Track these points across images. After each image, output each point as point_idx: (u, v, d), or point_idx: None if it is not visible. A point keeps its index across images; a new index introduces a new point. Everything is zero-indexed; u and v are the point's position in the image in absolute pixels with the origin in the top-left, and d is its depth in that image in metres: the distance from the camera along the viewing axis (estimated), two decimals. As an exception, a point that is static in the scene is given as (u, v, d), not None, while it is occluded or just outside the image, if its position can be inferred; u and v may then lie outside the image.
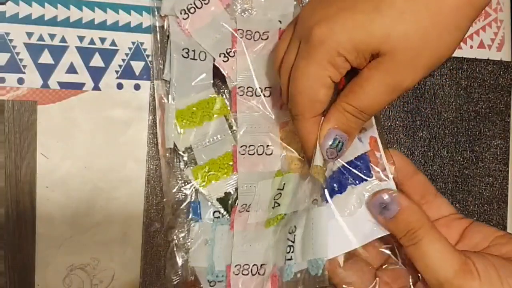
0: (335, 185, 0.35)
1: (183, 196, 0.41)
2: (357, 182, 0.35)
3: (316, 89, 0.32)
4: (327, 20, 0.31)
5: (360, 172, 0.35)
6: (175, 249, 0.41)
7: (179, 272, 0.41)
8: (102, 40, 0.42)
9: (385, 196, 0.33)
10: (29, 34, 0.40)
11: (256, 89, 0.41)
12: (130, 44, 0.42)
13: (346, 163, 0.36)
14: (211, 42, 0.41)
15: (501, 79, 0.49)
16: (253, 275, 0.39)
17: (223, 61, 0.41)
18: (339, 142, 0.33)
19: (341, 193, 0.35)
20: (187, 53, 0.41)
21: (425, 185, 0.37)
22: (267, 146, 0.41)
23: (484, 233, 0.35)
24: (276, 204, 0.40)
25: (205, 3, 0.41)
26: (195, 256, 0.41)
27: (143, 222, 0.42)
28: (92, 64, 0.41)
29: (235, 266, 0.39)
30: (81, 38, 0.41)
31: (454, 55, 0.48)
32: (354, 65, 0.32)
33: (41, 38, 0.40)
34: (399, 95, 0.32)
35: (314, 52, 0.31)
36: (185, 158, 0.41)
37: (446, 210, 0.37)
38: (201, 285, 0.40)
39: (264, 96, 0.41)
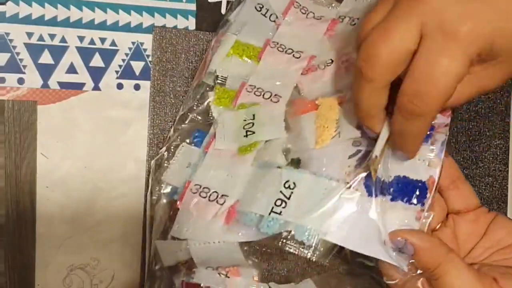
0: (391, 189, 0.34)
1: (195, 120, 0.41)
2: (405, 200, 0.34)
3: (454, 88, 0.30)
4: (474, 18, 0.29)
5: (413, 196, 0.34)
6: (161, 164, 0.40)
7: (157, 190, 0.40)
8: (102, 40, 0.42)
9: (399, 239, 0.32)
10: (29, 34, 0.40)
11: (289, 49, 0.42)
12: (130, 44, 0.42)
13: (406, 178, 0.35)
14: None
15: (501, 79, 0.49)
16: (210, 200, 0.37)
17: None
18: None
19: (390, 200, 0.34)
20: (260, 7, 0.42)
21: (455, 169, 0.37)
22: (275, 95, 0.41)
23: (508, 229, 0.35)
24: (250, 133, 0.39)
25: None
26: (170, 174, 0.40)
27: (143, 222, 0.42)
28: (92, 64, 0.41)
29: (195, 185, 0.38)
30: (81, 38, 0.41)
31: (454, 55, 0.49)
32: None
33: (41, 38, 0.40)
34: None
35: (459, 49, 0.29)
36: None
37: (472, 201, 0.36)
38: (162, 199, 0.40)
39: (294, 57, 0.42)
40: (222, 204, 0.37)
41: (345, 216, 0.34)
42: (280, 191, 0.35)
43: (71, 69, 0.41)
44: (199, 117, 0.41)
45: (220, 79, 0.41)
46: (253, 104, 0.40)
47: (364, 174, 0.34)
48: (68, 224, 0.41)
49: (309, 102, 0.39)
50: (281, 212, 0.35)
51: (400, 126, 0.32)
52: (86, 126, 0.41)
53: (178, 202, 0.38)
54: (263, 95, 0.40)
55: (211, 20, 0.44)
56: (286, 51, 0.42)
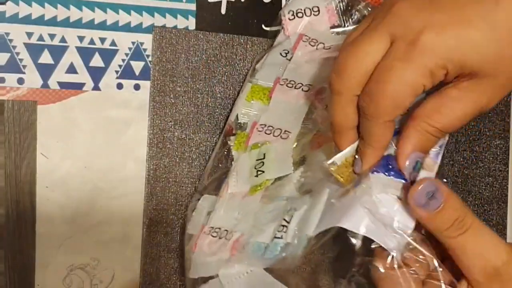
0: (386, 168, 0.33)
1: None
2: (396, 176, 0.33)
3: (407, 96, 0.30)
4: (439, 28, 0.29)
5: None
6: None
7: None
8: (102, 40, 0.42)
9: (431, 184, 0.31)
10: (29, 34, 0.40)
11: (298, 84, 0.42)
12: (130, 44, 0.42)
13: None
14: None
15: (501, 79, 0.49)
16: (219, 238, 0.39)
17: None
18: (419, 163, 0.32)
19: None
20: (286, 53, 0.43)
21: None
22: (285, 131, 0.42)
23: None
24: (260, 172, 0.40)
25: (314, 13, 0.43)
26: (192, 226, 0.41)
27: (143, 222, 0.42)
28: (92, 64, 0.41)
29: (209, 227, 0.40)
30: (81, 38, 0.41)
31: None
32: (445, 80, 0.31)
33: (41, 38, 0.40)
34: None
35: (417, 57, 0.29)
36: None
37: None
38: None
39: (303, 90, 0.42)
40: (229, 240, 0.39)
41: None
42: (284, 219, 0.37)
43: (71, 69, 0.41)
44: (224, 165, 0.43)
45: (241, 124, 0.42)
46: (264, 143, 0.41)
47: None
48: (68, 224, 0.41)
49: (326, 136, 0.40)
50: (282, 236, 0.36)
51: (363, 128, 0.32)
52: (86, 126, 0.41)
53: (193, 247, 0.40)
54: (273, 133, 0.41)
55: (211, 20, 0.44)
56: (295, 86, 0.42)
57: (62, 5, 0.41)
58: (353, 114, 0.33)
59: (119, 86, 0.42)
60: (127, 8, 0.42)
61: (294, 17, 0.44)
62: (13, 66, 0.40)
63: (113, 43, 0.42)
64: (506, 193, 0.49)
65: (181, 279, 0.44)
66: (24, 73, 0.40)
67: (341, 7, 0.44)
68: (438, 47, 0.29)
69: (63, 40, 0.41)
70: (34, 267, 0.40)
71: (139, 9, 0.43)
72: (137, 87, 0.43)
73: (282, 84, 0.42)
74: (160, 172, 0.43)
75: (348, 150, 0.34)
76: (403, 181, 0.33)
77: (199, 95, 0.44)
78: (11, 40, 0.40)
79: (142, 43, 0.43)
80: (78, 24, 0.41)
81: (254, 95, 0.43)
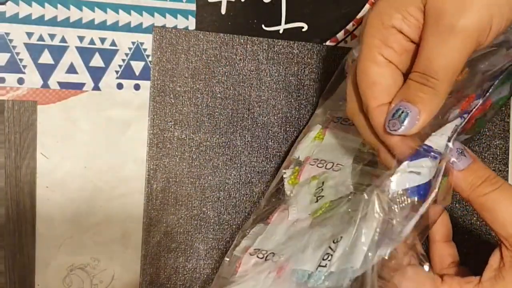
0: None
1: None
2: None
3: (368, 70, 0.30)
4: (376, 3, 0.31)
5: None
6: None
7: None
8: (102, 40, 0.42)
9: (457, 145, 0.32)
10: (29, 34, 0.40)
11: None
12: (130, 44, 0.42)
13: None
14: None
15: (501, 79, 0.49)
16: (265, 260, 0.39)
17: None
18: (402, 112, 0.30)
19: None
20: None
21: (447, 228, 0.37)
22: (337, 164, 0.42)
23: None
24: (319, 197, 0.40)
25: None
26: (239, 251, 0.41)
27: (143, 222, 0.42)
28: (92, 64, 0.41)
29: (254, 249, 0.40)
30: (81, 38, 0.41)
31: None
32: (409, 35, 0.30)
33: (41, 38, 0.40)
34: (466, 47, 0.29)
35: (363, 36, 0.31)
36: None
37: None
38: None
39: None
40: (276, 262, 0.38)
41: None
42: (329, 247, 0.36)
43: (71, 69, 0.41)
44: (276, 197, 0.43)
45: (300, 161, 0.43)
46: (323, 173, 0.41)
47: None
48: (68, 224, 0.41)
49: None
50: (326, 264, 0.35)
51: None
52: (86, 126, 0.41)
53: (237, 267, 0.39)
54: (325, 166, 0.42)
55: (211, 20, 0.44)
56: (350, 124, 0.42)
57: (62, 5, 0.41)
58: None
59: (119, 86, 0.42)
60: (127, 8, 0.42)
61: None
62: (13, 66, 0.40)
63: (113, 43, 0.42)
64: (506, 193, 0.49)
65: (181, 279, 0.44)
66: (24, 73, 0.40)
67: None
68: (375, 14, 0.31)
69: (63, 40, 0.41)
70: (34, 267, 0.40)
71: (139, 9, 0.43)
72: (137, 87, 0.43)
73: (336, 122, 0.43)
74: (160, 172, 0.43)
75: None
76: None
77: (199, 95, 0.44)
78: (11, 40, 0.40)
79: (142, 43, 0.43)
80: (78, 24, 0.41)
81: (319, 136, 0.44)
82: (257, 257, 0.39)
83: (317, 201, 0.40)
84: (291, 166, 0.44)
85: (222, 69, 0.44)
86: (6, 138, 0.40)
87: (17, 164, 0.40)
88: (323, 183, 0.41)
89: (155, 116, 0.43)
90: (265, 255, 0.39)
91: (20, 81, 0.40)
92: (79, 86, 0.41)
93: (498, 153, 0.49)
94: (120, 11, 0.42)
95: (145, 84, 0.43)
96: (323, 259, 0.36)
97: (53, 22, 0.41)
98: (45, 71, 0.41)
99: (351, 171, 0.41)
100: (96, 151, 0.41)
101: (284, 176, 0.43)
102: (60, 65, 0.41)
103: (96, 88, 0.42)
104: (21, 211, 0.40)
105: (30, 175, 0.40)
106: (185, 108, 0.43)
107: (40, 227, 0.40)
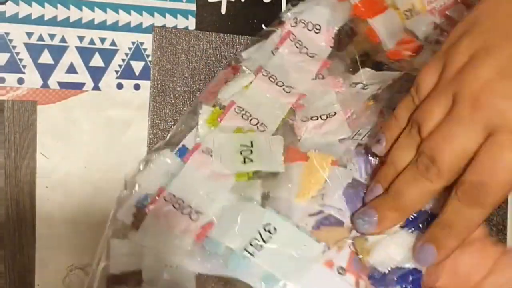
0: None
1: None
2: None
3: None
4: None
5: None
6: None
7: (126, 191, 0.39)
8: (102, 40, 0.42)
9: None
10: (29, 34, 0.40)
11: (279, 81, 0.42)
12: (130, 44, 0.42)
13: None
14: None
15: (501, 79, 0.49)
16: (182, 213, 0.36)
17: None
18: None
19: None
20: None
21: None
22: (261, 123, 0.41)
23: None
24: (248, 160, 0.38)
25: (316, 31, 0.44)
26: (145, 178, 0.38)
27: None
28: (92, 64, 0.41)
29: (169, 193, 0.37)
30: (81, 38, 0.41)
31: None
32: None
33: (41, 38, 0.40)
34: None
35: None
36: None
37: (480, 230, 0.34)
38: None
39: (284, 90, 0.42)
40: (195, 221, 0.36)
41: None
42: (259, 232, 0.34)
43: (71, 69, 0.41)
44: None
45: (220, 102, 0.41)
46: (250, 130, 0.40)
47: (349, 251, 0.34)
48: (68, 224, 0.41)
49: (301, 152, 0.39)
50: (253, 253, 0.34)
51: (454, 215, 0.31)
52: (86, 126, 0.41)
53: (147, 208, 0.37)
54: (250, 121, 0.40)
55: (211, 20, 0.44)
56: (277, 83, 0.42)
57: (62, 5, 0.41)
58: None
59: (119, 86, 0.42)
60: (127, 8, 0.42)
61: (296, 25, 0.43)
62: (13, 66, 0.40)
63: (113, 43, 0.42)
64: (506, 193, 0.49)
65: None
66: (24, 73, 0.40)
67: (341, 34, 0.44)
68: None
69: (63, 40, 0.41)
70: (34, 267, 0.40)
71: (139, 9, 0.43)
72: (137, 87, 0.43)
73: (265, 75, 0.42)
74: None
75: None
76: None
77: (199, 95, 0.44)
78: (11, 40, 0.40)
79: (142, 43, 0.43)
80: (78, 24, 0.41)
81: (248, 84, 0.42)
82: (173, 205, 0.36)
83: (244, 162, 0.38)
84: (211, 103, 0.41)
85: (222, 69, 0.44)
86: (6, 138, 0.40)
87: (17, 164, 0.40)
88: (251, 143, 0.39)
89: (155, 116, 0.43)
90: (182, 206, 0.36)
91: (20, 81, 0.40)
92: (79, 86, 0.41)
93: (498, 153, 0.49)
94: (120, 11, 0.42)
95: (145, 84, 0.43)
96: (251, 245, 0.34)
97: (53, 22, 0.41)
98: (45, 71, 0.40)
99: (279, 142, 0.39)
100: (96, 151, 0.41)
101: (200, 111, 0.40)
102: (60, 65, 0.41)
103: (96, 88, 0.42)
104: (21, 211, 0.40)
105: (30, 175, 0.40)
106: (185, 108, 0.43)
107: (40, 227, 0.40)
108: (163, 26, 0.43)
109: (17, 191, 0.40)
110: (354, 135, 0.39)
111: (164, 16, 0.43)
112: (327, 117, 0.40)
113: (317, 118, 0.40)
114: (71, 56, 0.41)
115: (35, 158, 0.40)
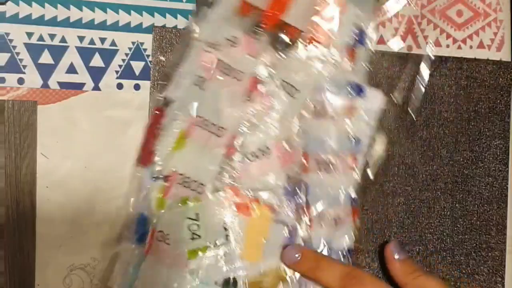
0: None
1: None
2: None
3: None
4: None
5: None
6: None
7: None
8: (102, 40, 0.42)
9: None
10: (29, 34, 0.40)
11: (212, 124, 0.41)
12: (130, 44, 0.42)
13: None
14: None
15: (500, 79, 0.49)
16: None
17: None
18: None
19: None
20: (198, 82, 0.41)
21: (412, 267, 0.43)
22: (200, 184, 0.41)
23: None
24: (196, 236, 0.39)
25: (233, 45, 0.42)
26: (117, 280, 0.40)
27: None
28: (92, 64, 0.41)
29: None
30: (81, 38, 0.41)
31: (454, 55, 0.49)
32: None
33: (41, 38, 0.40)
34: None
35: None
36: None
37: None
38: None
39: (217, 136, 0.41)
40: None
41: None
42: None
43: (71, 69, 0.41)
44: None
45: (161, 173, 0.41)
46: (195, 199, 0.40)
47: None
48: (68, 224, 0.41)
49: (243, 200, 0.41)
50: None
51: None
52: (86, 126, 0.41)
53: None
54: (190, 186, 0.40)
55: (211, 20, 0.44)
56: (208, 127, 0.41)
57: (62, 5, 0.41)
58: None
59: (119, 86, 0.42)
60: (127, 8, 0.42)
61: (213, 50, 0.41)
62: (13, 66, 0.40)
63: (113, 43, 0.42)
64: (506, 193, 0.49)
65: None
66: (24, 73, 0.40)
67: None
68: None
69: (63, 40, 0.41)
70: (34, 267, 0.40)
71: (139, 9, 0.43)
72: (137, 87, 0.43)
73: (198, 126, 0.41)
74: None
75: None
76: None
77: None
78: (11, 40, 0.40)
79: (142, 43, 0.43)
80: (78, 24, 0.41)
81: (179, 142, 0.41)
82: None
83: (192, 238, 0.39)
84: (154, 176, 0.40)
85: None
86: (6, 138, 0.40)
87: (17, 164, 0.40)
88: (197, 215, 0.40)
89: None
90: None
91: (20, 81, 0.40)
92: (79, 86, 0.41)
93: (498, 153, 0.49)
94: (120, 11, 0.42)
95: (145, 84, 0.43)
96: None
97: (53, 22, 0.41)
98: (45, 71, 0.41)
99: (217, 203, 0.40)
100: (96, 151, 0.41)
101: (149, 186, 0.40)
102: (60, 65, 0.41)
103: (96, 88, 0.42)
104: (21, 211, 0.40)
105: (30, 175, 0.40)
106: (185, 108, 0.43)
107: (40, 227, 0.40)
108: (163, 26, 0.43)
109: (17, 191, 0.40)
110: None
111: (164, 16, 0.43)
112: (262, 154, 0.41)
113: (253, 156, 0.41)
114: (71, 56, 0.41)
115: (35, 158, 0.40)
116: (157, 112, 0.41)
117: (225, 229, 0.40)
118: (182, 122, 0.41)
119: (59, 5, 0.41)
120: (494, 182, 0.49)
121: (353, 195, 0.43)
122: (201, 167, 0.40)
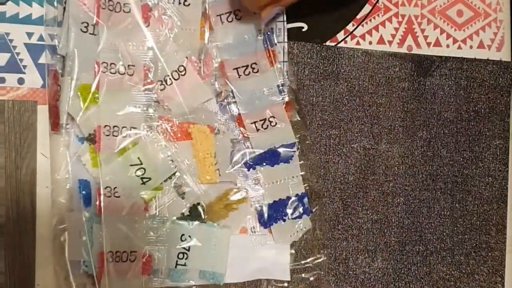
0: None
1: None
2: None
3: None
4: None
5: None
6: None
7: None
8: None
9: None
10: (29, 34, 0.40)
11: (120, 66, 0.40)
12: None
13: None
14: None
15: (500, 79, 0.49)
16: (123, 261, 0.39)
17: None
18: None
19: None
20: (86, 27, 0.39)
21: None
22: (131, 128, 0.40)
23: None
24: (146, 179, 0.40)
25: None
26: (73, 249, 0.40)
27: (143, 222, 0.42)
28: None
29: (108, 253, 0.39)
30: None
31: (454, 55, 0.49)
32: None
33: (41, 38, 0.40)
34: None
35: None
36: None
37: None
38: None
39: (128, 74, 0.40)
40: (133, 261, 0.39)
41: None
42: (180, 245, 0.40)
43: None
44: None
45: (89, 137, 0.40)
46: (132, 142, 0.40)
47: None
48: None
49: (179, 127, 0.41)
50: (185, 263, 0.40)
51: None
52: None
53: (95, 276, 0.39)
54: (121, 133, 0.39)
55: (211, 20, 0.44)
56: (118, 71, 0.40)
57: (62, 5, 0.41)
58: None
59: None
60: (127, 8, 0.42)
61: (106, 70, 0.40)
62: (13, 66, 0.40)
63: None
64: (506, 193, 0.49)
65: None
66: (24, 73, 0.40)
67: None
68: None
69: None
70: (34, 267, 0.40)
71: None
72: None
73: (104, 72, 0.39)
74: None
75: None
76: None
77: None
78: (11, 40, 0.40)
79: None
80: None
81: (93, 99, 0.39)
82: (116, 261, 0.39)
83: (143, 183, 0.40)
84: (79, 142, 0.39)
85: (222, 69, 0.44)
86: (6, 138, 0.40)
87: (17, 164, 0.40)
88: (139, 159, 0.39)
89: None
90: (120, 256, 0.39)
91: (20, 81, 0.40)
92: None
93: (498, 153, 0.49)
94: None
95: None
96: (179, 258, 0.40)
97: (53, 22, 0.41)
98: (45, 71, 0.40)
99: (154, 140, 0.40)
100: (96, 151, 0.41)
101: (78, 152, 0.40)
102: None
103: (96, 88, 0.42)
104: (21, 211, 0.40)
105: (30, 175, 0.40)
106: (185, 108, 0.43)
107: (40, 227, 0.40)
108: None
109: (17, 191, 0.40)
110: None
111: None
112: (178, 76, 0.41)
113: (171, 80, 0.41)
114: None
115: (35, 158, 0.40)
116: (54, 75, 0.40)
117: (172, 161, 0.40)
118: (85, 75, 0.39)
119: (59, 6, 0.41)
120: (494, 182, 0.49)
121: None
122: (125, 110, 0.39)
